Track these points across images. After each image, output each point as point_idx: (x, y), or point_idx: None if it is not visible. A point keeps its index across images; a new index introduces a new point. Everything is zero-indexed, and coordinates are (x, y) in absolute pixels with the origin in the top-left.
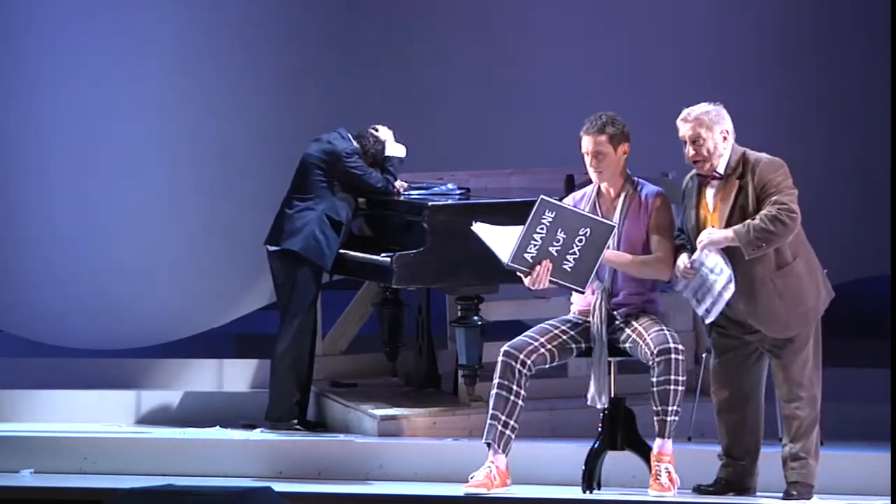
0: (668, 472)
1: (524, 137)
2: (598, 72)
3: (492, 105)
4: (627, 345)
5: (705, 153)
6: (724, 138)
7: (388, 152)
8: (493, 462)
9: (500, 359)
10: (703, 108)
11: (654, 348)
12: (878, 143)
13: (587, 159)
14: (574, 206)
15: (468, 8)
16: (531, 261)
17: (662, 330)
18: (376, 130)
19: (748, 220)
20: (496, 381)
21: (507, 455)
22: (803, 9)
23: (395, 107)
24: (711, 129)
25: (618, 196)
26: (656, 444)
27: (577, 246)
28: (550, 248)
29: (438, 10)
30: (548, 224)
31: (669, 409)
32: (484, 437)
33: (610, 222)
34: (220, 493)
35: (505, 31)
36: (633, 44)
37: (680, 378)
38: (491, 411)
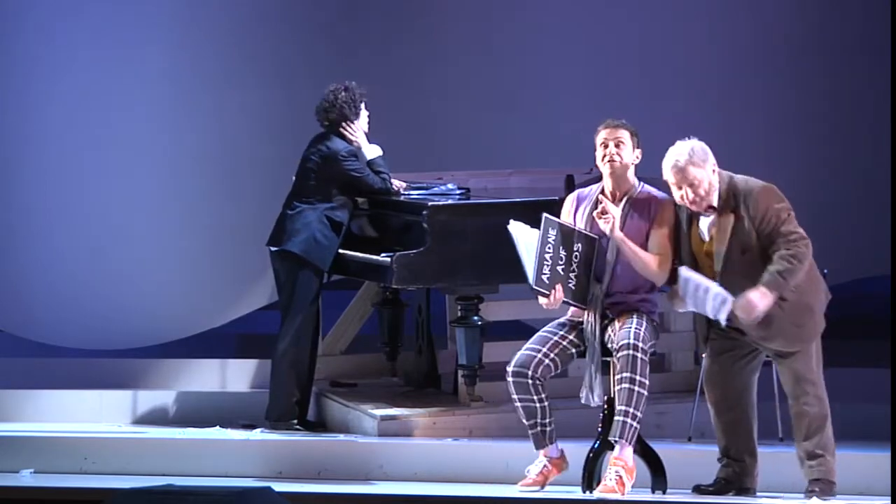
0: (619, 476)
1: (524, 137)
2: (599, 72)
3: (492, 105)
4: (609, 344)
5: (702, 193)
6: (714, 171)
7: (368, 157)
8: (545, 455)
9: (510, 379)
10: (688, 150)
11: (617, 343)
12: (879, 142)
13: (604, 150)
14: (574, 212)
15: (468, 7)
16: (548, 282)
17: (631, 327)
18: (352, 124)
19: (769, 267)
20: (515, 397)
21: (554, 443)
22: (806, 10)
23: (395, 106)
24: (705, 169)
25: (621, 199)
26: (617, 446)
27: (574, 262)
28: (557, 268)
29: (438, 9)
30: (552, 242)
31: (629, 410)
32: (533, 447)
33: (592, 234)
34: (220, 493)
35: (505, 31)
36: (634, 44)
37: (638, 378)
38: (525, 422)
